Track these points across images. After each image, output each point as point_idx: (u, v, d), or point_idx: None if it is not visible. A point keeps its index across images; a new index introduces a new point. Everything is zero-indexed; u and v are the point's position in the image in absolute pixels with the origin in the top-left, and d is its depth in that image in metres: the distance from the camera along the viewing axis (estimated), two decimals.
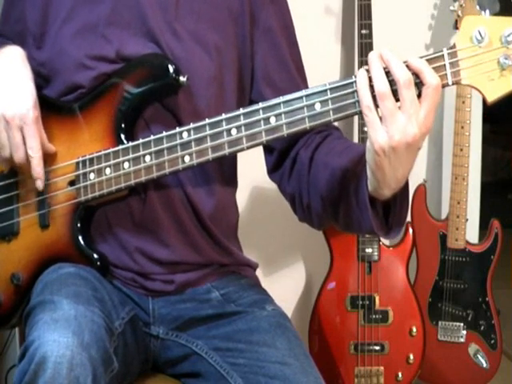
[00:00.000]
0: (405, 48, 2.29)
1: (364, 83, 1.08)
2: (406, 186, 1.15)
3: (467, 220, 2.21)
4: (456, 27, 2.13)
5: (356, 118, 2.17)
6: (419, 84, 1.07)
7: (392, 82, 1.06)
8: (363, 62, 2.11)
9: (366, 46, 2.12)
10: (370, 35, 2.12)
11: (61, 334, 1.07)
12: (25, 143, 1.26)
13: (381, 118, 1.07)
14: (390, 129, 1.06)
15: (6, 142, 1.27)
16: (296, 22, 1.44)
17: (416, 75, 1.07)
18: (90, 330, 1.11)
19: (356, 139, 2.19)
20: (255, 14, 1.36)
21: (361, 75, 1.09)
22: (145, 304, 1.36)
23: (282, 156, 1.38)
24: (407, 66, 1.07)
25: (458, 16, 2.11)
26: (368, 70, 1.09)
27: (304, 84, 1.41)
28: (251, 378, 1.25)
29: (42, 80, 1.36)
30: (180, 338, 1.36)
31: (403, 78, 1.05)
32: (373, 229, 1.17)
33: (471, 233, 2.35)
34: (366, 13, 2.12)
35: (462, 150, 2.17)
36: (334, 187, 1.24)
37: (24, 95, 1.28)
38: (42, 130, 1.30)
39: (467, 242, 2.22)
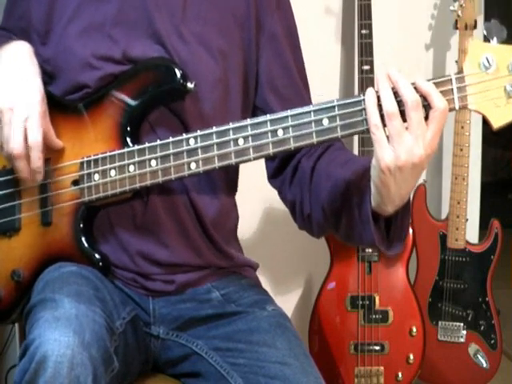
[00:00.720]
0: (405, 48, 2.31)
1: (372, 102, 1.09)
2: (407, 202, 1.16)
3: (467, 220, 2.21)
4: (456, 27, 2.13)
5: None
6: (427, 107, 1.08)
7: (400, 103, 1.07)
8: (363, 62, 2.12)
9: (366, 46, 2.12)
10: (369, 35, 2.12)
11: (62, 333, 1.07)
12: (25, 135, 1.25)
13: (388, 138, 1.08)
14: (397, 149, 1.07)
15: (11, 136, 1.26)
16: (296, 22, 1.44)
17: (424, 98, 1.08)
18: (91, 329, 1.10)
19: (356, 142, 2.19)
20: (261, 20, 1.37)
21: (369, 94, 1.10)
22: (145, 304, 1.36)
23: (283, 163, 1.38)
24: (415, 88, 1.08)
25: (458, 16, 2.11)
26: (376, 90, 1.10)
27: (306, 91, 1.42)
28: (251, 378, 1.25)
29: (46, 77, 1.36)
30: (180, 337, 1.36)
31: (411, 99, 1.06)
32: (374, 242, 1.18)
33: (471, 233, 2.35)
34: (366, 13, 2.12)
35: (461, 150, 2.18)
36: (336, 198, 1.24)
37: (32, 90, 1.27)
38: (49, 124, 1.29)
39: (467, 242, 2.22)
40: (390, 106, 1.07)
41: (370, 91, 1.10)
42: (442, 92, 1.09)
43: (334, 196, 1.25)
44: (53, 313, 1.11)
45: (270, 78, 1.38)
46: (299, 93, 1.38)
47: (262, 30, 1.37)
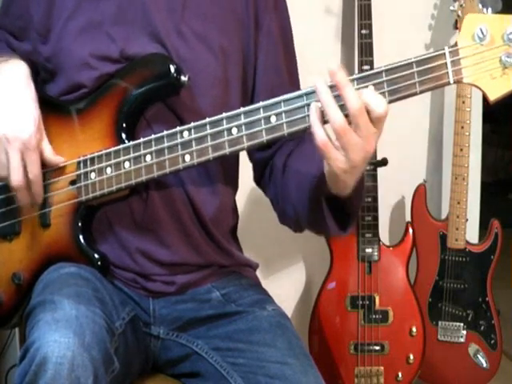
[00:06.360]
0: (405, 48, 2.31)
1: (318, 122, 1.09)
2: (360, 185, 1.18)
3: (467, 220, 2.21)
4: (456, 27, 2.13)
5: None
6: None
7: (342, 107, 1.08)
8: (363, 62, 2.12)
9: (366, 46, 2.12)
10: (369, 35, 2.12)
11: (62, 335, 1.07)
12: (24, 167, 1.26)
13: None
14: (351, 153, 1.08)
15: (5, 163, 1.26)
16: (296, 21, 1.45)
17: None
18: (91, 330, 1.10)
19: None
20: (259, 19, 1.37)
21: (313, 112, 1.09)
22: (145, 304, 1.36)
23: (263, 164, 1.41)
24: (331, 87, 1.08)
25: (458, 16, 2.11)
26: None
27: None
28: (251, 378, 1.25)
29: (47, 75, 1.36)
30: (180, 338, 1.36)
31: (354, 108, 1.06)
32: (329, 230, 1.21)
33: (471, 233, 2.35)
34: (365, 13, 2.12)
35: (462, 150, 2.17)
36: (302, 194, 1.26)
37: (27, 118, 1.27)
38: (47, 143, 1.30)
39: (467, 242, 2.22)
40: (338, 123, 1.07)
41: (313, 108, 1.09)
42: (435, 67, 1.08)
43: (300, 191, 1.27)
44: (52, 314, 1.11)
45: (265, 76, 1.39)
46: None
47: (260, 29, 1.38)
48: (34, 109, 1.29)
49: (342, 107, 1.08)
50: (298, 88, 1.42)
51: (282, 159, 1.34)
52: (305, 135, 1.33)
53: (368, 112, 1.07)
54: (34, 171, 1.27)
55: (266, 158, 1.39)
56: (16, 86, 1.31)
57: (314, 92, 1.14)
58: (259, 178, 1.44)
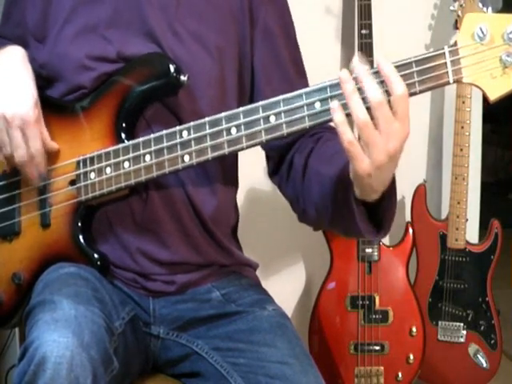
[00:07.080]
0: (405, 48, 2.30)
1: (342, 119, 1.06)
2: (392, 182, 1.15)
3: (467, 220, 2.21)
4: (456, 27, 2.13)
5: None
6: (387, 92, 1.06)
7: (364, 99, 1.06)
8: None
9: (366, 46, 2.12)
10: (369, 35, 2.12)
11: (61, 334, 1.07)
12: (26, 142, 1.26)
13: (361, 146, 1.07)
14: (373, 153, 1.06)
15: (7, 141, 1.27)
16: (296, 22, 1.44)
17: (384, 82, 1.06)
18: (90, 330, 1.10)
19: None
20: (254, 14, 1.36)
21: (338, 111, 1.07)
22: (145, 304, 1.36)
23: (279, 160, 1.39)
24: (378, 72, 1.06)
25: (458, 16, 2.11)
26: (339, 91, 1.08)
27: (302, 85, 1.41)
28: (251, 378, 1.25)
29: (43, 81, 1.36)
30: (180, 337, 1.36)
31: (374, 100, 1.04)
32: (362, 234, 1.18)
33: (471, 233, 2.35)
34: (366, 13, 2.12)
35: (461, 150, 2.18)
36: (325, 196, 1.24)
37: (25, 95, 1.28)
38: (44, 128, 1.30)
39: (467, 242, 2.22)
40: (361, 116, 1.05)
41: (335, 108, 1.07)
42: (435, 66, 1.07)
43: (323, 194, 1.25)
44: (51, 314, 1.11)
45: (265, 72, 1.38)
46: (293, 87, 1.37)
47: (256, 24, 1.37)
48: (32, 87, 1.29)
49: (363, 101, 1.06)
50: (304, 78, 1.42)
51: (302, 159, 1.32)
52: (323, 132, 1.33)
53: (386, 92, 1.05)
54: (36, 146, 1.27)
55: (280, 149, 1.37)
56: (13, 67, 1.31)
57: (312, 91, 1.14)
58: (273, 173, 1.42)
